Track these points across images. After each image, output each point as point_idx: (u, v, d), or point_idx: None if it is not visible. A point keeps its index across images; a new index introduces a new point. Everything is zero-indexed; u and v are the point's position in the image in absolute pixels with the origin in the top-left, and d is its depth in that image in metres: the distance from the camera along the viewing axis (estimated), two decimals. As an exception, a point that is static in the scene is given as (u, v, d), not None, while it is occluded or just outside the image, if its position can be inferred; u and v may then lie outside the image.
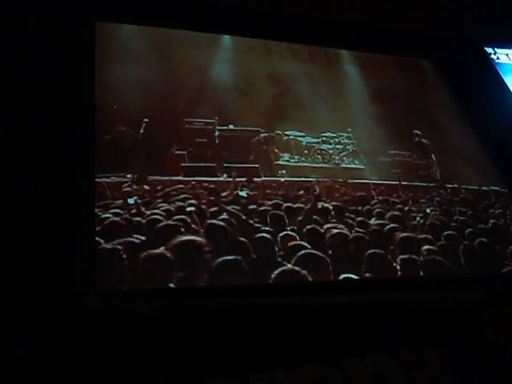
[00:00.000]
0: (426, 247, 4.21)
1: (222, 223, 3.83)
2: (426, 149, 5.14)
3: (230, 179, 4.25)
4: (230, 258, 3.59)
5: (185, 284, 3.42)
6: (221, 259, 3.56)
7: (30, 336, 2.86)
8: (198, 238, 3.70)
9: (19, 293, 2.94)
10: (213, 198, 4.05)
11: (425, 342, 3.55)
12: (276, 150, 4.68)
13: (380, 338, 3.48)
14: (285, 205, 4.19)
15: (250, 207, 4.11)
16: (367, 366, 3.42)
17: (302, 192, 4.44)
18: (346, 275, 3.79)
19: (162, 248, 3.52)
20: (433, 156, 5.12)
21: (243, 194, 4.23)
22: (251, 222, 3.95)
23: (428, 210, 4.65)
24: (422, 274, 4.06)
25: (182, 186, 4.16)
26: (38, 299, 2.95)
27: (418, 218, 4.51)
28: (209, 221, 3.84)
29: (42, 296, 2.97)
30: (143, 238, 3.60)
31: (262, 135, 4.66)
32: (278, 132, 4.76)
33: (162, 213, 3.84)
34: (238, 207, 4.05)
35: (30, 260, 3.01)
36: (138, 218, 3.79)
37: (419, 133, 5.18)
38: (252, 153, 4.52)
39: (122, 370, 2.92)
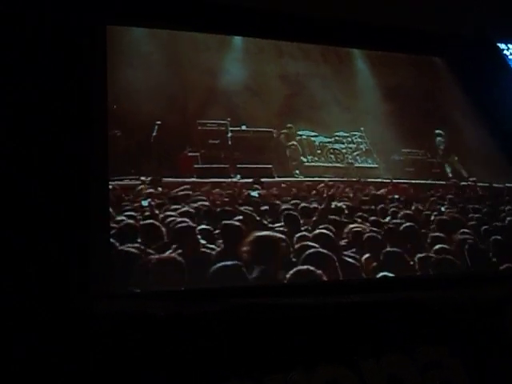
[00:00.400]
0: (441, 245, 4.18)
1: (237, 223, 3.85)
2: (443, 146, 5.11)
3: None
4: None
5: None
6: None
7: (29, 336, 2.87)
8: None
9: (20, 293, 2.95)
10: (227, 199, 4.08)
11: (441, 342, 3.53)
12: (289, 150, 4.68)
13: (395, 337, 3.46)
14: (299, 205, 4.19)
15: (263, 208, 4.11)
16: (382, 367, 3.41)
17: (315, 192, 4.43)
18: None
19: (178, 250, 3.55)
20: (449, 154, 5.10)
21: (255, 194, 4.23)
22: (265, 222, 3.96)
23: (443, 209, 4.63)
24: (438, 272, 4.03)
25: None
26: (38, 299, 2.96)
27: (432, 217, 4.49)
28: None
29: (46, 297, 2.98)
30: (157, 240, 3.62)
31: (282, 135, 4.67)
32: (291, 132, 4.76)
33: (177, 214, 3.86)
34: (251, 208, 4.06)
35: (38, 260, 3.02)
36: (151, 220, 3.81)
37: (440, 132, 5.16)
38: (265, 153, 4.51)
39: (134, 372, 2.93)
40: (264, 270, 3.58)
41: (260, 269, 3.58)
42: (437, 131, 5.17)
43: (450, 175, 5.05)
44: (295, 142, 4.77)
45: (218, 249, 3.66)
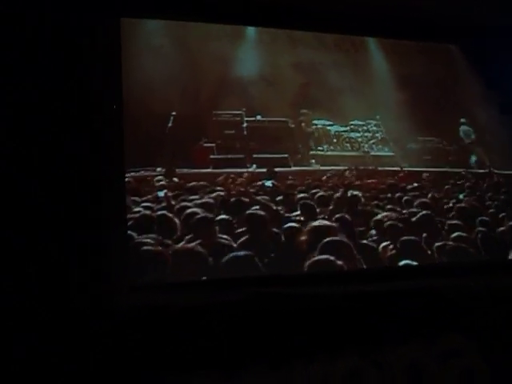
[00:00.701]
0: (459, 233, 4.16)
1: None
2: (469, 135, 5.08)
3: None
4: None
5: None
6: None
7: (29, 336, 2.90)
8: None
9: (20, 293, 2.96)
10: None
11: (460, 330, 3.52)
12: (305, 140, 4.67)
13: (414, 326, 3.45)
14: (316, 194, 4.18)
15: (280, 197, 4.11)
16: (402, 356, 3.40)
17: (331, 181, 4.42)
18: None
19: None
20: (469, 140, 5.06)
21: (268, 183, 4.22)
22: (282, 211, 3.96)
23: (461, 196, 4.60)
24: (454, 260, 4.01)
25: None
26: (38, 299, 2.96)
27: (449, 205, 4.46)
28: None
29: (46, 297, 2.98)
30: (174, 230, 3.63)
31: (302, 123, 4.67)
32: (306, 121, 4.75)
33: (193, 205, 3.86)
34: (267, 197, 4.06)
35: (38, 260, 3.02)
36: (168, 211, 3.82)
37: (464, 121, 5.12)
38: (281, 143, 4.50)
39: (135, 370, 2.97)
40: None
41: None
42: (461, 120, 5.12)
43: (474, 164, 5.00)
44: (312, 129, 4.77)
45: (241, 239, 3.68)
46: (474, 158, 5.04)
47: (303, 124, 4.74)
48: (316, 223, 3.87)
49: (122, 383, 2.94)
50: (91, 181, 3.24)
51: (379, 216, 4.13)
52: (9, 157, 3.12)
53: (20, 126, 3.18)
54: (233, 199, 3.97)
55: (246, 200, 3.97)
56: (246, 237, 3.69)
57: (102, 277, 3.11)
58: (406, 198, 4.45)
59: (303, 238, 3.74)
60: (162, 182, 4.03)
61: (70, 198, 3.17)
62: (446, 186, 4.74)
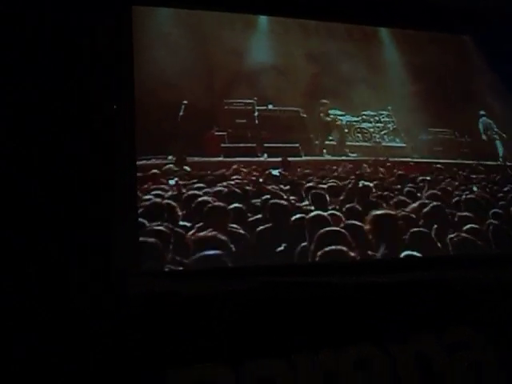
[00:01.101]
0: (469, 225, 4.14)
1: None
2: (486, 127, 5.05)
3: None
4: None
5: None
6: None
7: (29, 336, 2.90)
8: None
9: (20, 293, 2.96)
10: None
11: (469, 322, 3.51)
12: (317, 130, 4.66)
13: (423, 317, 3.45)
14: (326, 184, 4.18)
15: (291, 187, 4.10)
16: (410, 346, 3.40)
17: (342, 171, 4.41)
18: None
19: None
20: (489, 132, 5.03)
21: (276, 172, 4.22)
22: (293, 200, 3.95)
23: (475, 188, 4.58)
24: (464, 252, 3.99)
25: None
26: (38, 299, 2.97)
27: (460, 197, 4.44)
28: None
29: (46, 297, 2.98)
30: (184, 218, 3.63)
31: (321, 113, 4.66)
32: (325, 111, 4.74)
33: (204, 193, 3.86)
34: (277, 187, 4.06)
35: (38, 260, 3.01)
36: (179, 199, 3.82)
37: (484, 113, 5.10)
38: (292, 132, 4.49)
39: (135, 368, 2.96)
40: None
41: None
42: (481, 112, 5.09)
43: (482, 155, 4.97)
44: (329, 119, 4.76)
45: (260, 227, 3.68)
46: (488, 151, 5.01)
47: (322, 114, 4.73)
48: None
49: (122, 383, 2.93)
50: (91, 181, 3.24)
51: (389, 206, 4.11)
52: (9, 157, 3.11)
53: (20, 126, 3.17)
54: (244, 188, 3.96)
55: (257, 188, 3.97)
56: (268, 225, 3.70)
57: (103, 276, 3.10)
58: (416, 189, 4.42)
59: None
60: (173, 170, 4.02)
61: (70, 198, 3.17)
62: (458, 178, 4.72)
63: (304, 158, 4.40)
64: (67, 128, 3.24)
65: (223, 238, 3.50)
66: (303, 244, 3.65)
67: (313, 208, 3.93)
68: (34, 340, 2.89)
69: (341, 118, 4.80)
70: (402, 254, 3.79)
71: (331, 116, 4.80)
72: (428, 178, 4.60)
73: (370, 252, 3.73)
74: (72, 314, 2.98)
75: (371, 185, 4.30)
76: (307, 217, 3.82)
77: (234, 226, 3.67)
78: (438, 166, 4.78)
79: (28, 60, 3.23)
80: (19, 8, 3.24)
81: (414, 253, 3.81)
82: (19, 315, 2.91)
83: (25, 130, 3.18)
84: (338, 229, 3.73)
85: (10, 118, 3.17)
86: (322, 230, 3.64)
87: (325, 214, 3.87)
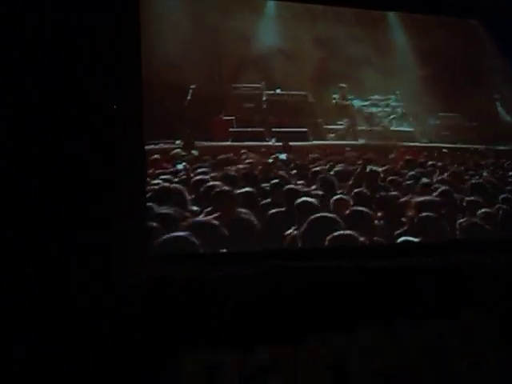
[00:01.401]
0: (477, 210, 4.13)
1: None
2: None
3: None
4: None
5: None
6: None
7: (29, 336, 2.87)
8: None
9: (20, 293, 2.92)
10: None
11: (478, 307, 3.51)
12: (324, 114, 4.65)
13: (434, 302, 3.44)
14: (334, 168, 4.17)
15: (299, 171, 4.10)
16: (420, 331, 3.41)
17: (351, 156, 4.41)
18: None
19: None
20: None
21: (283, 156, 4.22)
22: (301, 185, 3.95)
23: (484, 173, 4.57)
24: (473, 237, 3.98)
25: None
26: (38, 299, 2.94)
27: (472, 181, 4.43)
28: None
29: (46, 297, 2.95)
30: (193, 203, 3.64)
31: (335, 101, 4.65)
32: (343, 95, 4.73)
33: (212, 177, 3.86)
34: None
35: (38, 260, 3.00)
36: (187, 183, 3.82)
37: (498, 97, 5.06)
38: (300, 116, 4.49)
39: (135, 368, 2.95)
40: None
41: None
42: (496, 96, 5.07)
43: (490, 139, 4.94)
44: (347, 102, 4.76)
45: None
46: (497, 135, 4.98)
47: (337, 98, 4.71)
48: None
49: (122, 383, 2.94)
50: (91, 181, 3.22)
51: (397, 191, 4.10)
52: (9, 157, 3.11)
53: (20, 125, 3.16)
54: (252, 172, 3.96)
55: (265, 173, 3.96)
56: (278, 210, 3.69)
57: (103, 276, 3.10)
58: (425, 173, 4.41)
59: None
60: (181, 155, 4.02)
61: (70, 198, 3.16)
62: (467, 163, 4.70)
63: (313, 142, 4.40)
64: (67, 128, 3.22)
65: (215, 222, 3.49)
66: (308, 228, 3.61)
67: (321, 193, 3.91)
68: (34, 340, 2.87)
69: (350, 102, 4.79)
70: (409, 239, 3.77)
71: (345, 101, 4.78)
72: (436, 163, 4.58)
73: (376, 238, 3.72)
74: (72, 313, 2.96)
75: (379, 169, 4.28)
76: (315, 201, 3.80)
77: (243, 210, 3.65)
78: (446, 150, 4.77)
79: (28, 60, 3.21)
80: (19, 8, 3.23)
81: (419, 238, 3.81)
82: (19, 315, 2.89)
83: (25, 130, 3.16)
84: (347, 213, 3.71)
85: (10, 118, 3.15)
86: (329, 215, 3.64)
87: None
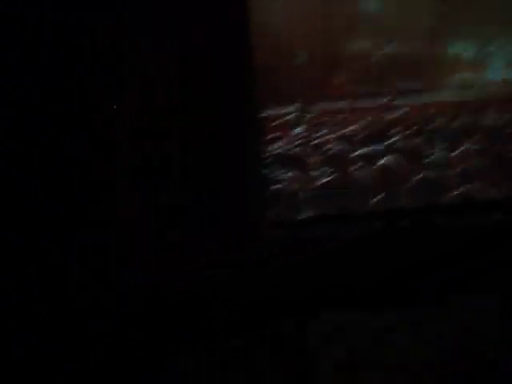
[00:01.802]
0: None
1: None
2: None
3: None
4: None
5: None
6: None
7: (29, 336, 2.88)
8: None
9: (20, 293, 2.94)
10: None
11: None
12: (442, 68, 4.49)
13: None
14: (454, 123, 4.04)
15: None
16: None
17: (471, 109, 4.23)
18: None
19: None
20: None
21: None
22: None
23: None
24: None
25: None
26: (38, 299, 2.94)
27: None
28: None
29: (46, 297, 2.96)
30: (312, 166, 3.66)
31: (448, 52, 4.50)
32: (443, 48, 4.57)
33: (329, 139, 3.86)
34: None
35: (38, 260, 3.02)
36: (304, 148, 3.85)
37: None
38: (418, 71, 4.36)
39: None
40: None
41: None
42: None
43: None
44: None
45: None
46: None
47: (450, 51, 4.56)
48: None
49: (122, 383, 2.96)
50: (91, 181, 3.23)
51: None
52: (9, 157, 3.18)
53: (20, 125, 3.22)
54: (370, 132, 3.92)
55: (384, 132, 3.90)
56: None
57: (103, 276, 3.13)
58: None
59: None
60: (297, 119, 4.04)
61: (69, 198, 3.19)
62: None
63: (429, 98, 4.27)
64: (67, 128, 3.25)
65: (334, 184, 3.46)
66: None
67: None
68: (34, 340, 2.90)
69: (466, 54, 4.59)
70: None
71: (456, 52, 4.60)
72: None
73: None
74: (72, 313, 2.98)
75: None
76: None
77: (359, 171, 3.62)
78: None
79: (28, 60, 3.27)
80: (19, 8, 3.29)
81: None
82: (19, 315, 2.92)
83: (25, 130, 3.22)
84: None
85: (10, 118, 3.22)
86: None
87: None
